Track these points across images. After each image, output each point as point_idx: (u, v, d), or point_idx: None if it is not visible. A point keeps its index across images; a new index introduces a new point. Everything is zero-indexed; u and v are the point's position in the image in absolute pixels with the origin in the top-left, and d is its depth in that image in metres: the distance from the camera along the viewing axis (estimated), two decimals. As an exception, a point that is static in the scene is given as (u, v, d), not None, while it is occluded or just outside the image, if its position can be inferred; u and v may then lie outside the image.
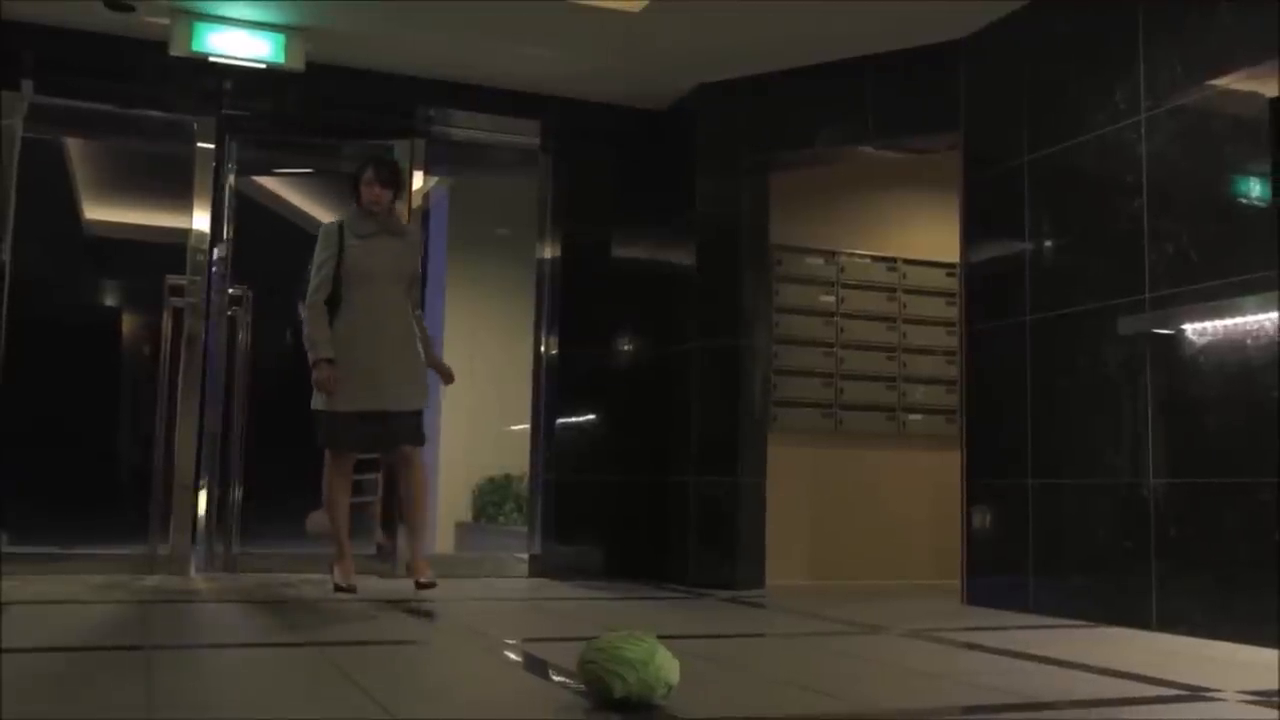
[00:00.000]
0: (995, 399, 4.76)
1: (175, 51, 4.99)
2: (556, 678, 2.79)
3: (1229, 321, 3.70)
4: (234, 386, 5.45)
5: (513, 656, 3.20)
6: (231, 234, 5.51)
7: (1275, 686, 2.83)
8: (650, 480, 5.81)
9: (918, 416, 6.14)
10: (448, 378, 4.85)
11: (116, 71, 5.27)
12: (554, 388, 5.89)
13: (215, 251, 5.41)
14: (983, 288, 4.90)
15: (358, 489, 6.75)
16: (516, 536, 6.37)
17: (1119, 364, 4.13)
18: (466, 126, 5.88)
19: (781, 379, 5.86)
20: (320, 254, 4.58)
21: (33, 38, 5.10)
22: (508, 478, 7.71)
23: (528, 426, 6.04)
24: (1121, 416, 4.10)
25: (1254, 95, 3.66)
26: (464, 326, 7.32)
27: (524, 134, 5.97)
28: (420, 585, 4.43)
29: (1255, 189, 3.67)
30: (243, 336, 5.48)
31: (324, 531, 7.23)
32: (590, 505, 5.81)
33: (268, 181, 6.44)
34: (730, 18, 4.92)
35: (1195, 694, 2.74)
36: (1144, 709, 2.62)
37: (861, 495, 5.96)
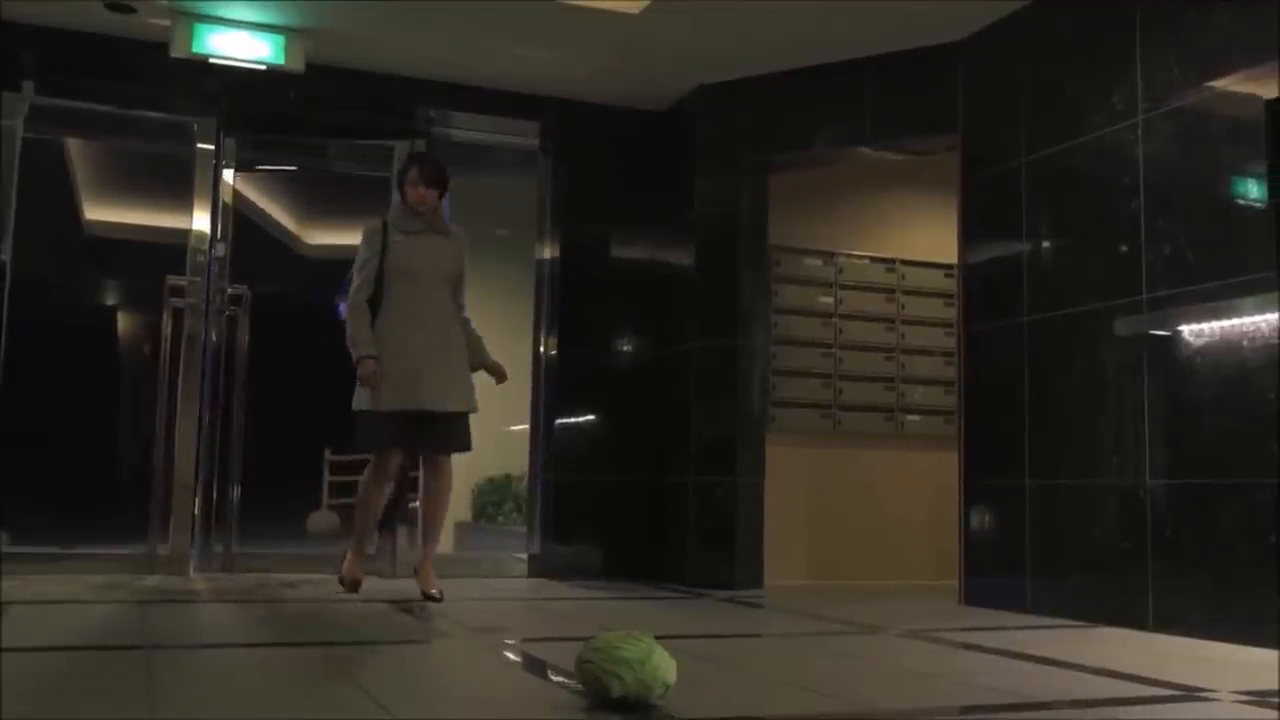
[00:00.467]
0: (993, 400, 4.77)
1: (176, 53, 5.00)
2: (555, 677, 2.80)
3: (1226, 322, 3.71)
4: (234, 386, 5.45)
5: (512, 656, 3.21)
6: (231, 234, 5.52)
7: (1270, 686, 2.84)
8: (649, 480, 5.82)
9: (916, 417, 6.15)
10: (500, 376, 4.70)
11: (117, 72, 5.29)
12: (553, 388, 5.90)
13: (214, 251, 5.41)
14: (981, 289, 4.91)
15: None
16: (516, 536, 6.38)
17: (1117, 365, 4.14)
18: (466, 127, 5.89)
19: (780, 379, 5.87)
20: (363, 253, 4.51)
21: (33, 38, 5.11)
22: (507, 478, 7.72)
23: (527, 427, 6.05)
24: (1119, 417, 4.11)
25: (1251, 97, 3.67)
26: (464, 327, 7.32)
27: (523, 135, 5.98)
28: (426, 596, 4.41)
29: (1252, 190, 3.68)
30: (242, 336, 5.49)
31: (325, 531, 7.23)
32: (589, 505, 5.82)
33: (268, 182, 6.45)
34: (730, 18, 4.92)
35: (1191, 694, 2.75)
36: (1139, 709, 2.63)
37: (860, 496, 5.97)
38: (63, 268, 6.28)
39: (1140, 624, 3.91)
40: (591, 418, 5.94)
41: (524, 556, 5.85)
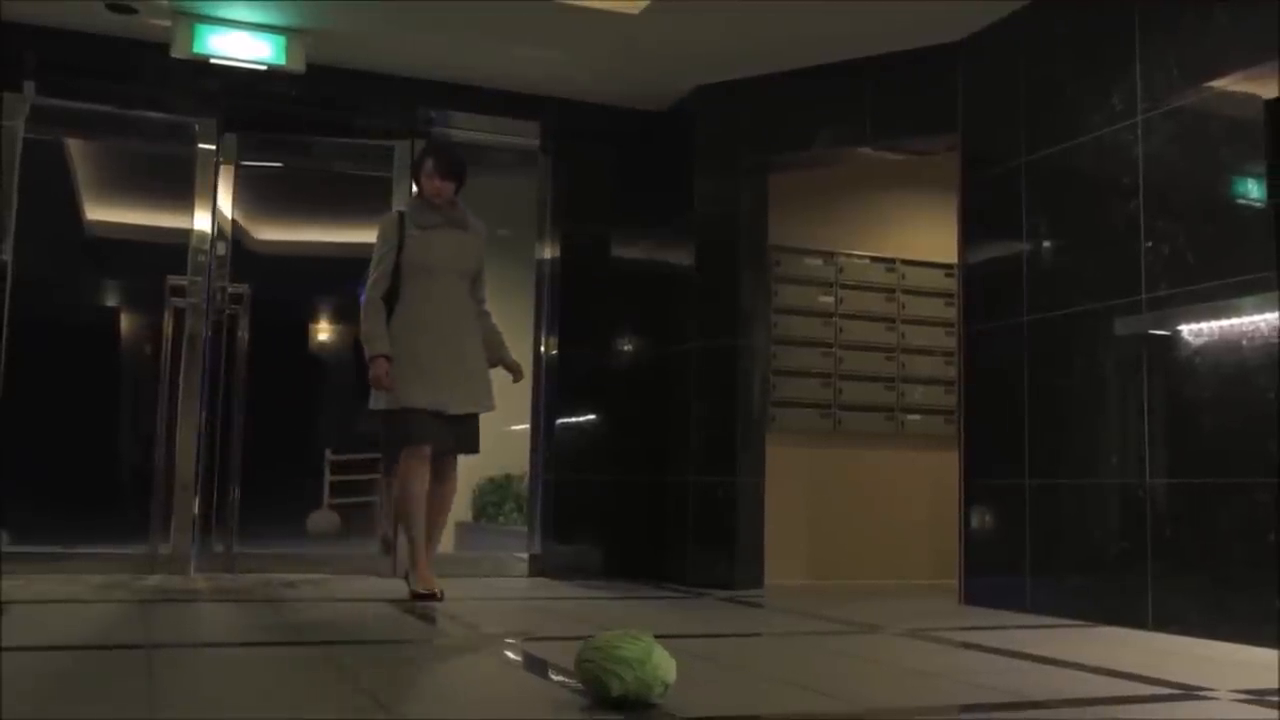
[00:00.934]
0: (993, 399, 4.78)
1: (176, 53, 5.01)
2: (555, 677, 2.80)
3: (1225, 322, 3.71)
4: (234, 385, 5.46)
5: (512, 656, 3.21)
6: (231, 234, 5.52)
7: (1268, 685, 2.84)
8: (649, 480, 5.82)
9: (916, 417, 6.15)
10: (517, 374, 4.66)
11: (118, 73, 5.29)
12: (553, 388, 5.91)
13: (215, 251, 5.42)
14: (981, 288, 4.92)
15: (360, 489, 6.78)
16: (516, 536, 6.39)
17: (1116, 364, 4.14)
18: (466, 127, 5.89)
19: (780, 379, 5.88)
20: (379, 248, 4.41)
21: (34, 39, 5.12)
22: (508, 478, 7.73)
23: (527, 426, 6.06)
24: (1119, 417, 4.11)
25: (1250, 97, 3.67)
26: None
27: (523, 135, 5.99)
28: (430, 595, 4.32)
29: (1252, 190, 3.68)
30: (243, 335, 5.49)
31: (325, 531, 7.23)
32: (590, 505, 5.83)
33: (267, 181, 6.45)
34: (729, 19, 4.93)
35: (1189, 693, 2.76)
36: (1138, 708, 2.63)
37: (860, 495, 5.98)
38: (63, 268, 6.28)
39: (1140, 623, 3.92)
40: (592, 417, 5.95)
41: (524, 556, 5.85)
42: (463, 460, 4.63)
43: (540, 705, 2.52)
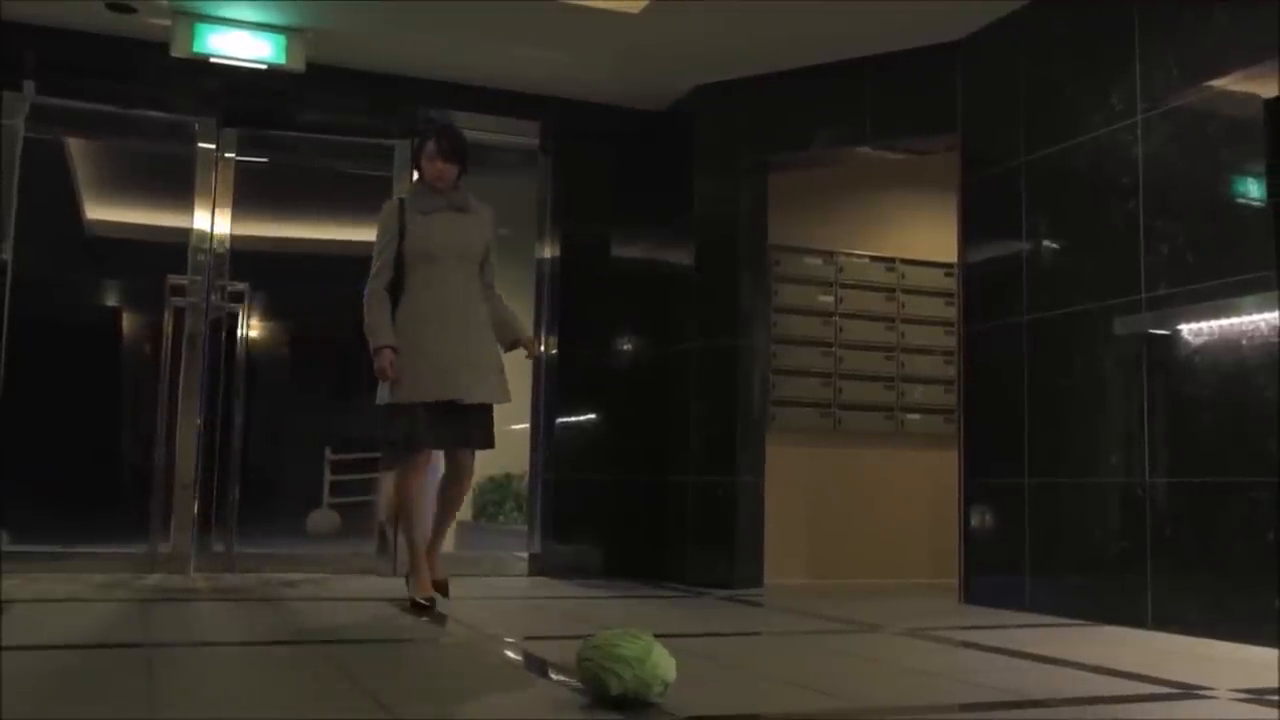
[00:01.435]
0: (993, 399, 4.78)
1: (176, 53, 5.01)
2: (555, 675, 2.81)
3: (1225, 322, 3.71)
4: (234, 385, 5.46)
5: (512, 655, 3.21)
6: (231, 233, 5.52)
7: (1268, 684, 2.85)
8: (649, 480, 5.82)
9: (916, 416, 6.15)
10: (530, 350, 4.45)
11: (118, 72, 5.29)
12: (553, 387, 5.91)
13: (214, 249, 5.42)
14: (981, 288, 4.92)
15: (360, 488, 6.77)
16: (516, 536, 6.39)
17: (1116, 364, 4.14)
18: (466, 127, 5.84)
19: (780, 379, 5.88)
20: (380, 237, 4.23)
21: (34, 38, 5.12)
22: (508, 477, 7.73)
23: (527, 426, 6.06)
24: (1118, 416, 4.12)
25: (1250, 96, 3.68)
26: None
27: (523, 134, 5.99)
28: (437, 585, 4.24)
29: (1251, 189, 3.68)
30: (243, 334, 5.49)
31: (325, 531, 7.23)
32: (589, 504, 5.83)
33: (267, 181, 6.46)
34: (729, 19, 4.93)
35: (1188, 692, 2.76)
36: (1137, 707, 2.63)
37: (860, 494, 5.98)
38: (63, 267, 6.28)
39: (1139, 622, 3.92)
40: (591, 417, 5.95)
41: (524, 555, 5.85)
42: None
43: (540, 704, 2.52)
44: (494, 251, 4.38)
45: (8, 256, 5.09)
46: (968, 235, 5.03)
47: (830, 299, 6.07)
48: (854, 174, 6.00)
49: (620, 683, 2.32)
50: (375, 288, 4.18)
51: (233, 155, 5.57)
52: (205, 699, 2.48)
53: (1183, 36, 3.97)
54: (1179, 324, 3.86)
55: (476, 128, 5.89)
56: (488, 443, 4.22)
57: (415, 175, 4.52)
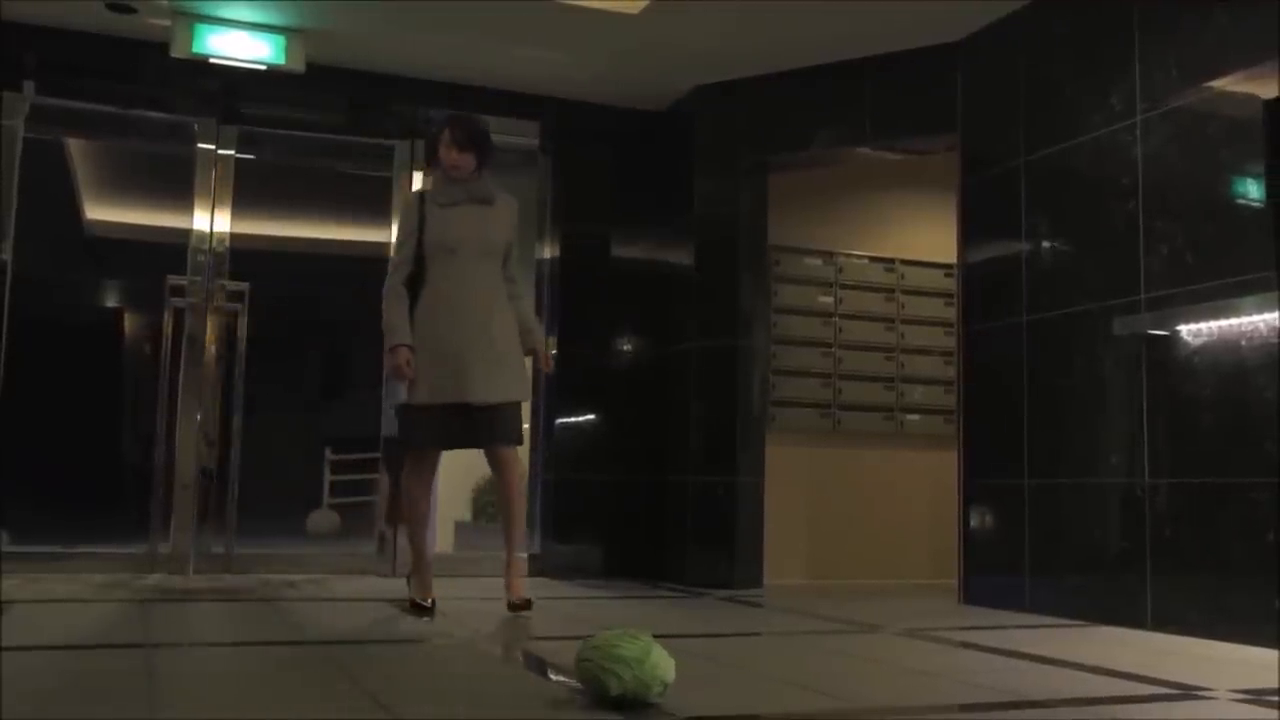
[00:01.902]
0: (993, 399, 4.78)
1: (176, 53, 5.01)
2: (554, 676, 2.81)
3: (1224, 322, 3.71)
4: (234, 385, 5.46)
5: (511, 655, 3.22)
6: (231, 233, 5.52)
7: (1267, 685, 2.85)
8: (649, 480, 5.82)
9: (916, 417, 6.15)
10: (544, 364, 4.39)
11: (118, 73, 5.29)
12: (553, 388, 5.90)
13: (215, 250, 5.42)
14: (980, 288, 4.92)
15: (360, 488, 6.78)
16: (516, 536, 6.37)
17: (1115, 364, 4.14)
18: (466, 127, 5.89)
19: (780, 379, 5.88)
20: (399, 232, 4.16)
21: (34, 39, 5.12)
22: (507, 477, 7.72)
23: (527, 426, 6.05)
24: (1118, 417, 4.12)
25: (1249, 97, 3.68)
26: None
27: (523, 135, 5.98)
28: (513, 607, 3.99)
29: (1251, 190, 3.68)
30: (243, 334, 5.49)
31: (325, 531, 7.23)
32: (589, 505, 5.83)
33: (267, 181, 6.47)
34: (728, 19, 4.93)
35: (1188, 693, 2.76)
36: (1136, 707, 2.63)
37: (859, 495, 5.98)
38: (64, 268, 6.29)
39: (1139, 623, 3.92)
40: (591, 417, 5.95)
41: (524, 556, 5.84)
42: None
43: (539, 705, 2.52)
44: (516, 245, 4.26)
45: (8, 256, 5.09)
46: (967, 235, 5.03)
47: (830, 299, 6.07)
48: (854, 174, 6.00)
49: (620, 683, 2.32)
50: (393, 284, 4.09)
51: (231, 152, 5.55)
52: (205, 699, 2.48)
53: (1183, 36, 3.97)
54: (1178, 324, 3.87)
55: (476, 128, 5.92)
56: (511, 438, 4.09)
57: (435, 167, 4.36)
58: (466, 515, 7.76)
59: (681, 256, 5.81)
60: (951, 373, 5.58)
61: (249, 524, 5.43)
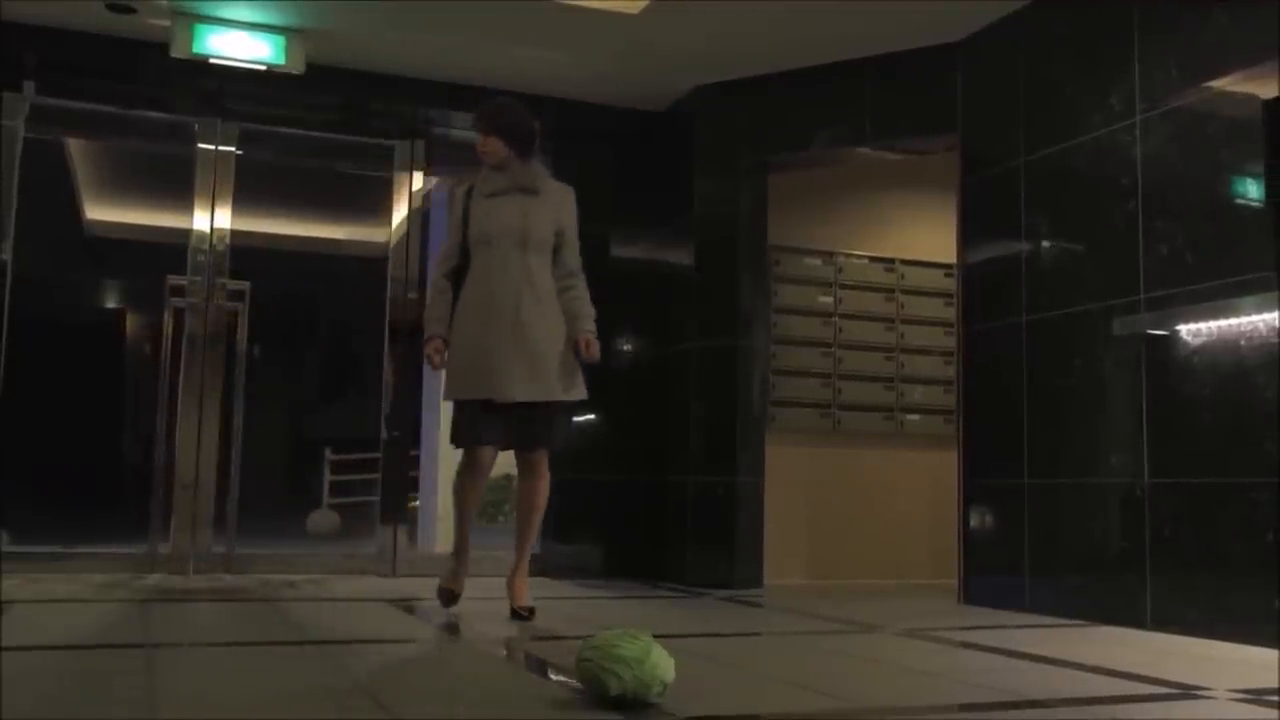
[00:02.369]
0: (992, 399, 4.78)
1: (176, 53, 5.01)
2: (554, 676, 2.81)
3: (1224, 322, 3.71)
4: (234, 384, 5.46)
5: (512, 655, 3.22)
6: (231, 233, 5.52)
7: (1267, 685, 2.85)
8: (649, 480, 5.82)
9: (916, 417, 6.15)
10: (585, 352, 4.00)
11: (118, 73, 5.29)
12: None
13: (215, 250, 5.42)
14: (980, 288, 4.92)
15: (360, 488, 6.78)
16: (516, 536, 6.37)
17: (1115, 364, 4.14)
18: (466, 127, 5.88)
19: (780, 379, 5.88)
20: (448, 223, 4.13)
21: (34, 39, 5.12)
22: (507, 478, 7.71)
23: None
24: (1118, 417, 4.12)
25: (1249, 97, 3.68)
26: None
27: (523, 134, 5.97)
28: (516, 614, 3.91)
29: (1250, 190, 3.69)
30: (243, 334, 5.49)
31: (325, 531, 7.23)
32: (589, 505, 5.83)
33: (267, 181, 6.47)
34: (728, 19, 4.93)
35: (1188, 692, 2.76)
36: (1136, 707, 2.64)
37: (859, 495, 5.98)
38: (64, 268, 6.29)
39: (1138, 623, 3.92)
40: (591, 417, 5.95)
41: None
42: (457, 455, 4.51)
43: (540, 705, 2.52)
44: (574, 233, 4.10)
45: (8, 256, 5.09)
46: (967, 235, 5.03)
47: (830, 299, 6.07)
48: (854, 174, 6.00)
49: (620, 683, 2.32)
50: (436, 276, 4.08)
51: (231, 149, 5.55)
52: (205, 699, 2.48)
53: (1183, 36, 3.97)
54: (1178, 324, 3.87)
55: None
56: (546, 442, 3.96)
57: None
58: (466, 515, 7.76)
59: (681, 256, 5.82)
60: (951, 373, 5.58)
61: (249, 524, 5.43)
